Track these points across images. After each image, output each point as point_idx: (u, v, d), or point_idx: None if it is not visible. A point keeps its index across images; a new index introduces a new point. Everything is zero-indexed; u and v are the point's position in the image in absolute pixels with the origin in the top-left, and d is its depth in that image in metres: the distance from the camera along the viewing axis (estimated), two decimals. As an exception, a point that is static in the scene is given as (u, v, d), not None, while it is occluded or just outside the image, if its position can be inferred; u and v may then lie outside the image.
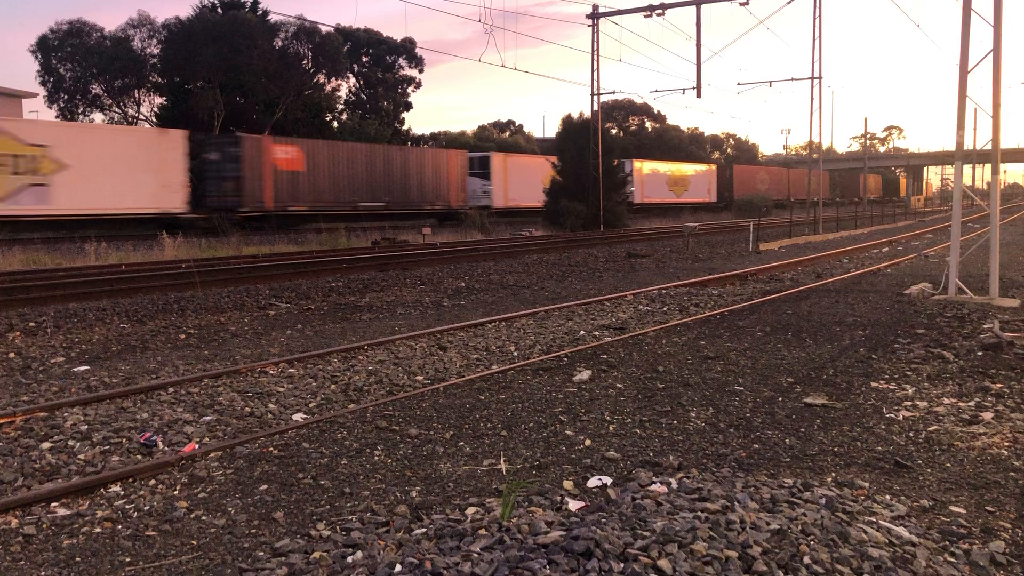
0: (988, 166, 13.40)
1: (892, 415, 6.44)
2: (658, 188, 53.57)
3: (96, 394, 7.25)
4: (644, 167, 52.60)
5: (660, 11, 33.29)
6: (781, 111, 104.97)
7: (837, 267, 19.92)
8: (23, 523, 4.55)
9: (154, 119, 44.22)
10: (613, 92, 42.10)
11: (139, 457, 5.74)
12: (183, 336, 10.79)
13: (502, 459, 5.43)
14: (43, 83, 42.34)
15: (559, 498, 4.58)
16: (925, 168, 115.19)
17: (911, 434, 5.96)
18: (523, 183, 44.40)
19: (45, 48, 41.63)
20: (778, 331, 10.24)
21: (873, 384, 7.47)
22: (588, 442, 5.78)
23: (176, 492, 5.02)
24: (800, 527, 3.87)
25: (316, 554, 3.92)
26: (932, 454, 5.53)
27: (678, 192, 56.26)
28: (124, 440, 5.98)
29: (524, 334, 10.40)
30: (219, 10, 43.08)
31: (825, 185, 79.17)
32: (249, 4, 44.31)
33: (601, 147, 38.08)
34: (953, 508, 4.58)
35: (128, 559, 4.12)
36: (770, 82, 40.46)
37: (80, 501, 4.91)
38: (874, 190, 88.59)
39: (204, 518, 4.61)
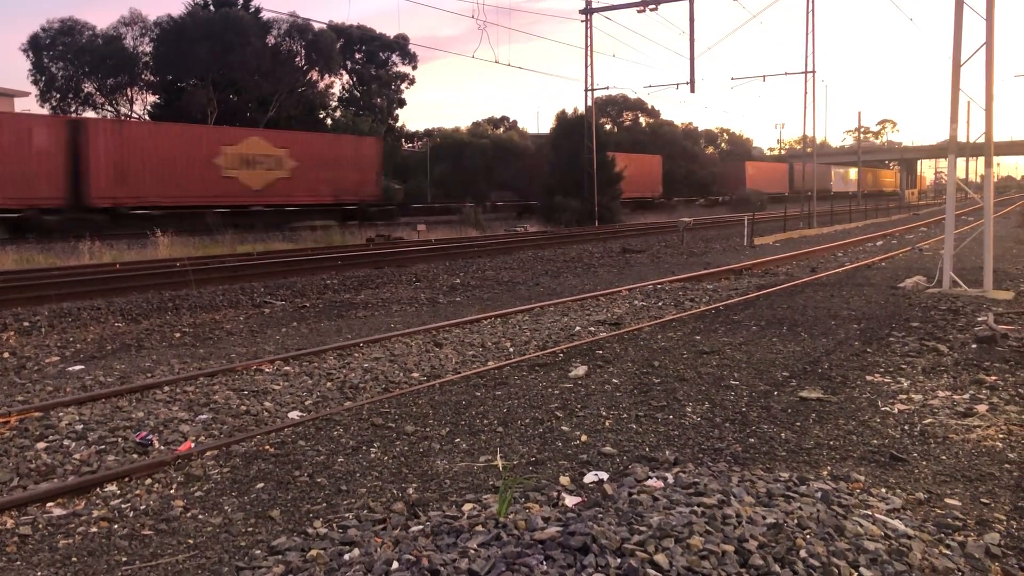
0: (982, 159, 13.42)
1: (887, 408, 6.46)
2: None
3: (91, 393, 7.23)
4: None
5: (653, 6, 33.28)
6: (775, 105, 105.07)
7: (831, 261, 19.96)
8: (19, 523, 4.54)
9: (147, 118, 44.03)
10: (607, 87, 42.55)
11: (135, 456, 5.73)
12: (178, 335, 10.76)
13: (498, 455, 5.43)
14: (35, 82, 42.05)
15: (556, 494, 4.58)
16: (919, 161, 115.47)
17: (906, 427, 5.98)
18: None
19: (37, 47, 41.35)
20: (773, 325, 10.26)
21: (868, 377, 7.49)
22: (584, 438, 5.79)
23: (172, 491, 5.01)
24: (796, 521, 3.88)
25: (313, 552, 3.92)
26: (927, 447, 5.55)
27: None
28: (120, 439, 5.97)
29: (520, 330, 10.40)
30: (211, 7, 42.87)
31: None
32: (241, 1, 44.11)
33: (595, 142, 38.09)
34: (948, 501, 4.59)
35: (124, 559, 4.11)
36: (763, 76, 40.42)
37: (76, 501, 4.90)
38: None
39: (200, 517, 4.60)
